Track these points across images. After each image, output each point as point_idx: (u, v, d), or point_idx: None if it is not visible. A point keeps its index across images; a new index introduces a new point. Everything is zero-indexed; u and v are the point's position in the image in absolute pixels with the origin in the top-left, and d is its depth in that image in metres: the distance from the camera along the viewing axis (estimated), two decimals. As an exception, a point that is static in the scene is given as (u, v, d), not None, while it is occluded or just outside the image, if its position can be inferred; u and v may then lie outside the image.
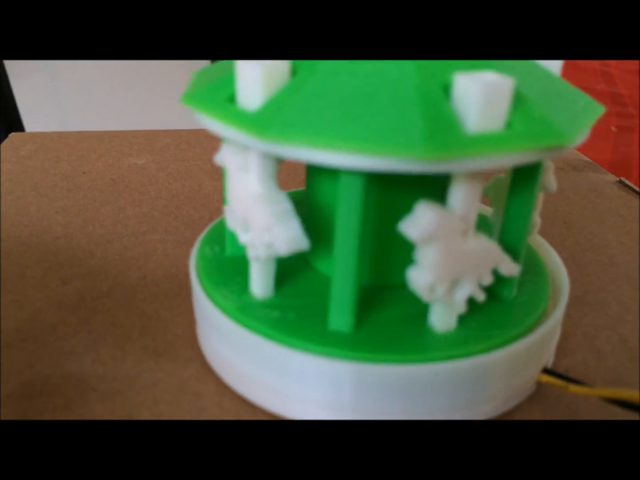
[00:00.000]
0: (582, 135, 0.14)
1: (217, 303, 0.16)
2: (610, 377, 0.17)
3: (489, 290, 0.16)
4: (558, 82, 0.15)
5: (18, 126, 0.60)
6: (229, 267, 0.17)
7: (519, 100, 0.13)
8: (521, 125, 0.12)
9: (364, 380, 0.14)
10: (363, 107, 0.12)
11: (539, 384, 0.16)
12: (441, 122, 0.12)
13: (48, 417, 0.15)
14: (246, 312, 0.15)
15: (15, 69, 0.57)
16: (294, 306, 0.16)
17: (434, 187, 0.16)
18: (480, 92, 0.12)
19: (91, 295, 0.20)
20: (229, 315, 0.15)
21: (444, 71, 0.13)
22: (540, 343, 0.15)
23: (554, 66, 0.15)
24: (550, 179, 0.17)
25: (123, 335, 0.18)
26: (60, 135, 0.35)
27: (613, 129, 0.79)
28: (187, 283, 0.21)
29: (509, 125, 0.13)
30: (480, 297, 0.14)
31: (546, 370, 0.16)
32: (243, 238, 0.15)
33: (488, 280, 0.14)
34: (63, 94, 1.07)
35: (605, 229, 0.26)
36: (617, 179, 0.30)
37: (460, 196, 0.13)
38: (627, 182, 0.30)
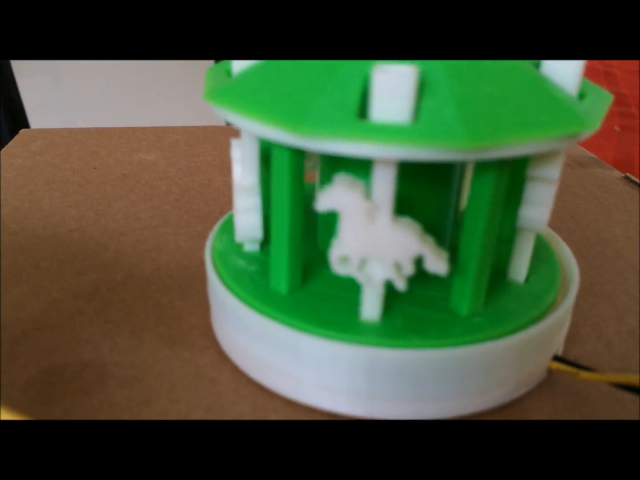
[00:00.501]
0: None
1: (234, 292, 0.16)
2: (619, 365, 0.17)
3: (502, 274, 0.16)
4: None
5: (24, 124, 0.60)
6: (245, 259, 0.18)
7: (429, 90, 0.13)
8: (426, 119, 0.12)
9: (379, 365, 0.14)
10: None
11: (549, 371, 0.16)
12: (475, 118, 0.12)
13: (67, 402, 0.16)
14: (263, 300, 0.16)
15: (20, 67, 0.57)
16: (310, 294, 0.16)
17: (442, 179, 0.16)
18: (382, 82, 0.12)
19: (106, 286, 0.21)
20: (246, 304, 0.16)
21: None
22: (550, 331, 0.16)
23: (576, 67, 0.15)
24: (548, 167, 0.16)
25: (139, 324, 0.19)
26: (70, 132, 0.36)
27: (616, 128, 0.79)
28: (200, 274, 0.21)
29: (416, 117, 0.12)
30: (400, 284, 0.14)
31: (557, 358, 0.16)
32: (361, 276, 0.15)
33: (408, 269, 0.14)
34: (67, 93, 1.07)
35: (611, 223, 0.26)
36: (623, 175, 0.31)
37: (375, 180, 0.13)
38: (633, 177, 0.30)
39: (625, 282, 0.21)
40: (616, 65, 1.18)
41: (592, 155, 0.34)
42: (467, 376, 0.15)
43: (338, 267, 0.14)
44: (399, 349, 0.14)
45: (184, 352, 0.18)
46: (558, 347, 0.17)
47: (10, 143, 0.34)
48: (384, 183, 0.13)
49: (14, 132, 0.57)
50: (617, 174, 0.31)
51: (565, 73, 0.14)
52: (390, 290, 0.16)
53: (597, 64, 1.19)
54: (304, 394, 0.15)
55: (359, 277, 0.14)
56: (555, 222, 0.26)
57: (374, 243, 0.14)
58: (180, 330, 0.19)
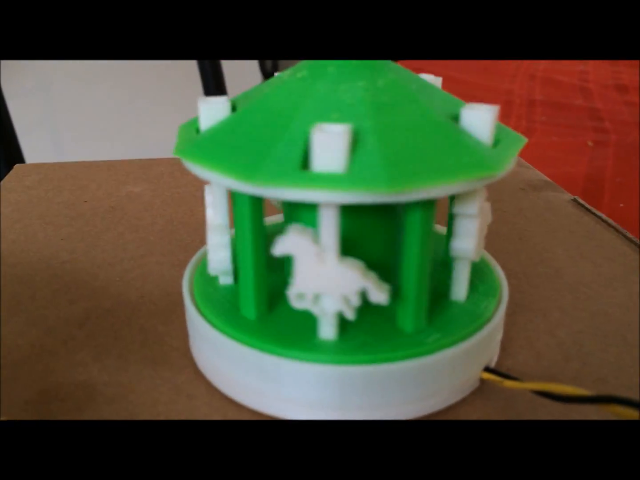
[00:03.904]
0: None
1: (207, 319, 0.19)
2: (545, 374, 0.20)
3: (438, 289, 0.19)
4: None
5: (17, 154, 0.63)
6: (218, 288, 0.20)
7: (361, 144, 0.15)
8: (356, 168, 0.15)
9: (331, 380, 0.17)
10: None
11: (482, 381, 0.19)
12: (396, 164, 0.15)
13: (62, 418, 0.18)
14: (232, 325, 0.18)
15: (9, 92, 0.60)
16: (276, 319, 0.18)
17: (389, 216, 0.19)
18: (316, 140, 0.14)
19: (96, 313, 0.23)
20: (218, 329, 0.18)
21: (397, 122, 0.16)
22: (480, 344, 0.18)
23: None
24: (467, 204, 0.19)
25: (125, 347, 0.21)
26: (61, 166, 0.38)
27: (589, 143, 0.82)
28: (181, 301, 0.24)
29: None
30: (349, 314, 0.17)
31: (487, 369, 0.19)
32: (316, 309, 0.17)
33: (355, 301, 0.16)
34: (56, 119, 1.10)
35: (555, 244, 0.29)
36: (572, 197, 0.34)
37: (321, 225, 0.16)
38: (580, 200, 0.33)
39: (561, 299, 0.24)
40: (592, 80, 1.22)
41: (546, 178, 0.37)
42: (408, 386, 0.17)
43: (295, 302, 0.17)
44: (349, 365, 0.17)
45: (165, 372, 0.20)
46: (491, 358, 0.19)
47: (6, 178, 0.36)
48: (329, 227, 0.16)
49: (7, 163, 0.59)
50: (567, 196, 0.34)
51: (479, 123, 0.17)
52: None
53: (574, 79, 1.22)
54: (268, 406, 0.18)
55: (314, 310, 0.17)
56: (504, 243, 0.29)
57: (324, 281, 0.16)
58: (162, 352, 0.21)
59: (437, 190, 0.15)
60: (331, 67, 0.18)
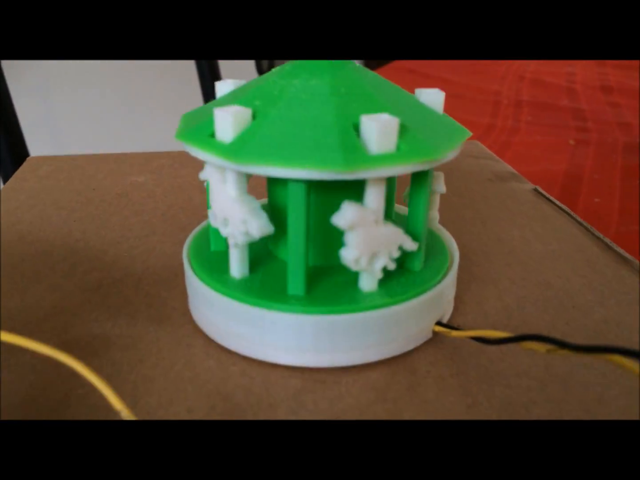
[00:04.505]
0: (451, 153, 0.20)
1: (203, 280, 0.22)
2: (489, 329, 0.24)
3: (402, 263, 0.22)
4: (436, 115, 0.21)
5: (22, 149, 0.66)
6: (211, 257, 0.24)
7: (404, 130, 0.19)
8: (406, 147, 0.19)
9: (303, 327, 0.20)
10: (302, 138, 0.19)
11: (434, 332, 0.23)
12: (351, 147, 0.18)
13: (83, 362, 0.22)
14: (222, 283, 0.22)
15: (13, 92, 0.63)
16: (256, 279, 0.22)
17: (357, 191, 0.22)
18: (378, 127, 0.18)
19: (107, 282, 0.27)
20: (210, 287, 0.22)
21: (353, 112, 0.19)
22: (431, 301, 0.22)
23: (438, 102, 0.22)
24: (439, 184, 0.23)
25: (133, 308, 0.25)
26: (72, 159, 0.42)
27: (571, 142, 0.86)
28: (180, 272, 0.27)
29: (398, 148, 0.19)
30: (392, 266, 0.21)
31: (438, 323, 0.22)
32: (224, 231, 0.21)
33: (396, 254, 0.21)
34: (58, 117, 1.13)
35: (513, 227, 0.32)
36: (533, 187, 0.37)
37: (371, 196, 0.20)
38: (540, 190, 0.36)
39: (511, 272, 0.28)
40: (579, 82, 1.26)
41: (512, 170, 0.41)
42: (369, 333, 0.21)
43: (355, 266, 0.20)
44: (317, 315, 0.20)
45: (167, 327, 0.24)
46: (442, 315, 0.23)
47: (20, 169, 0.40)
48: (377, 198, 0.20)
49: (13, 158, 0.63)
50: (530, 186, 0.38)
51: (434, 102, 0.21)
52: (313, 274, 0.22)
53: (562, 80, 1.26)
54: (254, 350, 0.21)
55: (367, 269, 0.20)
56: (468, 226, 0.32)
57: (380, 241, 0.20)
58: (165, 312, 0.24)
59: (386, 170, 0.19)
60: (305, 66, 0.21)
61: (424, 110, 0.22)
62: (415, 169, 0.19)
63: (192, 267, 0.23)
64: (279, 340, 0.21)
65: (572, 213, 0.33)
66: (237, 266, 0.22)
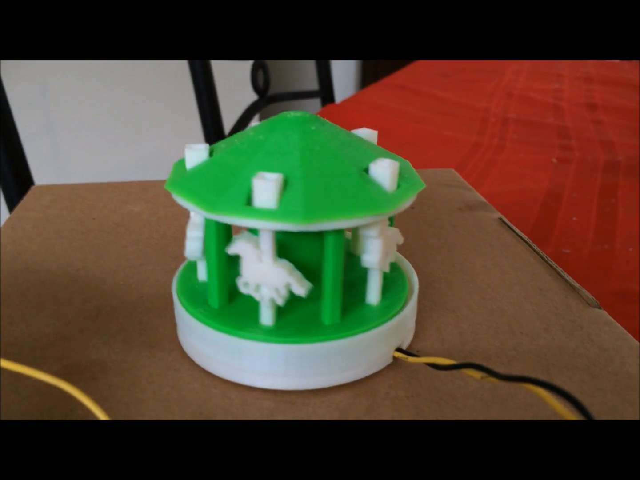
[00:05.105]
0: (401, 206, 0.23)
1: (188, 310, 0.25)
2: (445, 354, 0.26)
3: (362, 296, 0.25)
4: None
5: (27, 178, 0.69)
6: (197, 287, 0.27)
7: (298, 190, 0.22)
8: (286, 207, 0.22)
9: (274, 355, 0.23)
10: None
11: (394, 358, 0.26)
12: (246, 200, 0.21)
13: (81, 385, 0.24)
14: (203, 314, 0.25)
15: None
16: (233, 309, 0.25)
17: (318, 235, 0.25)
18: (258, 184, 0.21)
19: (105, 310, 0.30)
20: (195, 318, 0.25)
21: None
22: (389, 331, 0.25)
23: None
24: (398, 239, 0.26)
25: (128, 335, 0.28)
26: (72, 187, 0.45)
27: (554, 160, 0.89)
28: (171, 300, 0.30)
29: (279, 205, 0.22)
30: (279, 301, 0.23)
31: (398, 349, 0.25)
32: (257, 296, 0.23)
33: (283, 292, 0.23)
34: (64, 148, 1.17)
35: (476, 255, 0.35)
36: (498, 216, 0.40)
37: (260, 239, 0.23)
38: (504, 219, 0.39)
39: (469, 299, 0.31)
40: (565, 99, 1.29)
41: (482, 199, 0.44)
42: (333, 361, 0.24)
43: (242, 288, 0.23)
44: (287, 344, 0.23)
45: (158, 353, 0.26)
46: (402, 341, 0.26)
47: (25, 198, 0.43)
48: (266, 240, 0.22)
49: (18, 185, 0.66)
50: (496, 215, 0.41)
51: (382, 175, 0.23)
52: (282, 307, 0.25)
53: (549, 97, 1.30)
54: (233, 375, 0.24)
55: (255, 296, 0.23)
56: (434, 255, 0.35)
57: (261, 275, 0.23)
58: (156, 339, 0.27)
59: (340, 223, 0.22)
60: (279, 127, 0.24)
61: (361, 169, 0.24)
62: (295, 228, 0.21)
63: (179, 298, 0.26)
64: (254, 366, 0.24)
65: (530, 242, 0.36)
66: (269, 317, 0.24)
